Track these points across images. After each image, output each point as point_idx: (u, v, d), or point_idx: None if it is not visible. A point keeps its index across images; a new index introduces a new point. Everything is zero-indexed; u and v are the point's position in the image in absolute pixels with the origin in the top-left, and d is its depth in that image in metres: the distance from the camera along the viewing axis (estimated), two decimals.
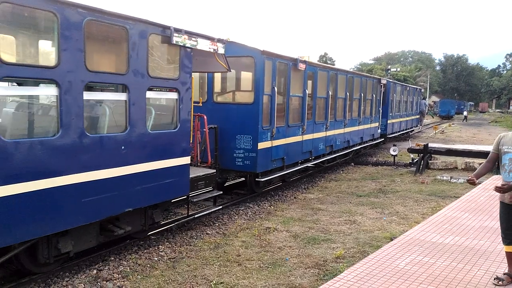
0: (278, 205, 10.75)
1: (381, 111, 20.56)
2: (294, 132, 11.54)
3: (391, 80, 25.11)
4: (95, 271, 6.27)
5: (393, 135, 24.55)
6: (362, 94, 17.23)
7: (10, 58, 5.61)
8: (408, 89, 28.85)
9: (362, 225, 8.84)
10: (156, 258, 6.90)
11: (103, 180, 5.89)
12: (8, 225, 4.83)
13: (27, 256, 5.66)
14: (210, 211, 8.86)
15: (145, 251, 7.20)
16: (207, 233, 8.26)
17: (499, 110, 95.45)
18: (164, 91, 7.26)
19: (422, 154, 15.80)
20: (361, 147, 18.25)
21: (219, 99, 10.96)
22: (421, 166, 15.44)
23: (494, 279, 5.30)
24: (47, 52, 6.00)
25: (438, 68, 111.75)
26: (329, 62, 72.88)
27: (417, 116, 32.88)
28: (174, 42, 6.77)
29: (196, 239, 7.92)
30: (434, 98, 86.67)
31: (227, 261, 6.82)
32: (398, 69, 69.05)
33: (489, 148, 16.24)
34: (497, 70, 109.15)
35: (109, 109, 6.30)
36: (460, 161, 15.95)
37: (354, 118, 16.49)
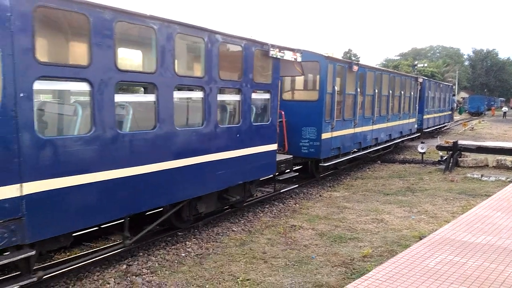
0: (303, 203, 10.70)
1: (417, 107, 21.93)
2: (348, 125, 13.36)
3: (426, 78, 26.29)
4: (124, 266, 6.41)
5: (429, 129, 25.85)
6: (402, 92, 18.62)
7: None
8: (441, 86, 30.22)
9: (390, 224, 8.70)
10: (183, 254, 6.99)
11: (227, 159, 7.96)
12: (183, 187, 7.01)
13: (174, 216, 7.57)
14: (289, 188, 11.13)
15: (173, 247, 7.30)
16: (232, 230, 8.31)
17: None
18: (261, 92, 9.05)
19: (452, 152, 15.42)
20: (400, 141, 19.68)
21: (287, 97, 12.79)
22: (450, 164, 15.07)
23: None
24: (198, 66, 7.85)
25: (466, 63, 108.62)
26: (353, 58, 71.85)
27: (449, 112, 33.74)
28: (270, 55, 8.74)
29: (222, 235, 7.98)
30: (463, 94, 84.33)
31: (253, 258, 6.85)
32: (425, 65, 67.39)
33: None
34: None
35: (229, 106, 8.39)
36: (491, 158, 15.50)
37: (395, 113, 18.01)
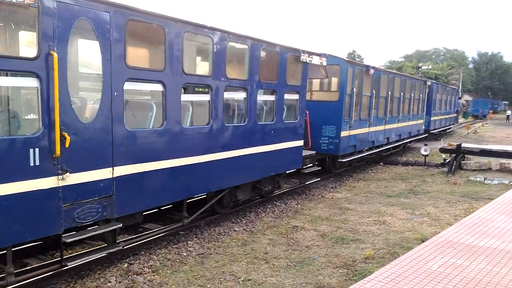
0: (305, 204, 10.68)
1: (425, 109, 22.73)
2: (363, 125, 14.19)
3: (434, 82, 27.42)
4: (126, 265, 6.40)
5: (435, 130, 26.65)
6: (412, 94, 19.33)
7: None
8: (447, 89, 31.07)
9: (392, 226, 8.67)
10: (185, 254, 6.98)
11: (263, 153, 8.88)
12: (228, 175, 7.98)
13: (217, 203, 8.46)
14: (313, 180, 11.97)
15: (174, 246, 7.29)
16: (234, 230, 8.29)
17: None
18: (292, 93, 9.81)
19: (455, 154, 15.37)
20: (409, 141, 20.39)
21: (308, 97, 12.94)
22: (453, 167, 15.02)
23: None
24: (242, 69, 8.51)
25: (471, 66, 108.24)
26: (357, 59, 71.71)
27: (455, 115, 34.64)
28: (301, 60, 9.64)
29: (223, 235, 7.97)
30: (467, 97, 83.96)
31: (254, 258, 6.83)
32: (430, 67, 67.21)
33: None
34: None
35: (266, 106, 9.21)
36: (495, 161, 15.45)
37: (405, 115, 18.71)
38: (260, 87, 8.57)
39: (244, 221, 8.93)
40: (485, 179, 13.44)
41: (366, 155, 15.08)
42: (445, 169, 15.37)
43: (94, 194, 5.51)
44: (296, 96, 10.01)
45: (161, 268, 6.36)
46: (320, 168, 12.17)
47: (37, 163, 4.80)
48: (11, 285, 5.13)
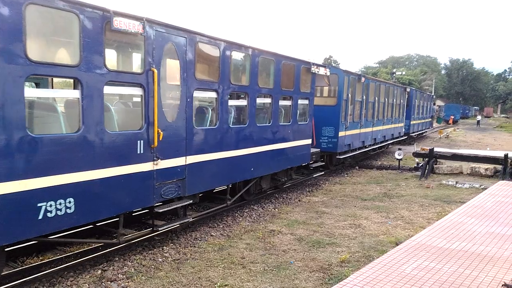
0: (282, 207, 10.71)
1: (405, 113, 24.78)
2: (356, 126, 15.99)
3: (413, 88, 29.62)
4: (99, 271, 6.26)
5: (414, 133, 28.90)
6: (394, 100, 21.33)
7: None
8: (424, 95, 33.31)
9: (367, 229, 8.79)
10: (160, 259, 6.88)
11: (282, 149, 10.64)
12: (258, 167, 9.72)
13: (245, 192, 10.14)
14: (318, 174, 13.68)
15: (150, 252, 7.18)
16: (211, 235, 8.24)
17: (504, 115, 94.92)
18: (303, 99, 11.58)
19: (428, 159, 15.72)
20: (392, 142, 22.43)
21: None
22: (426, 171, 15.36)
23: (502, 285, 5.24)
24: (269, 80, 10.06)
25: (443, 72, 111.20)
26: (334, 65, 72.59)
27: (430, 119, 36.97)
28: (312, 71, 11.52)
29: (200, 240, 7.90)
30: (439, 102, 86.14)
31: (231, 263, 6.79)
32: (403, 73, 68.67)
33: (496, 153, 16.12)
34: (502, 75, 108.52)
35: (284, 109, 10.80)
36: (466, 166, 15.86)
37: (389, 118, 20.55)
38: (281, 94, 10.24)
39: (221, 226, 8.88)
40: (456, 182, 13.79)
41: (358, 153, 16.86)
42: (418, 173, 15.70)
43: (174, 176, 7.12)
44: (306, 102, 11.74)
45: (135, 274, 6.25)
46: (324, 163, 13.88)
47: (142, 151, 6.38)
48: (122, 244, 6.90)
